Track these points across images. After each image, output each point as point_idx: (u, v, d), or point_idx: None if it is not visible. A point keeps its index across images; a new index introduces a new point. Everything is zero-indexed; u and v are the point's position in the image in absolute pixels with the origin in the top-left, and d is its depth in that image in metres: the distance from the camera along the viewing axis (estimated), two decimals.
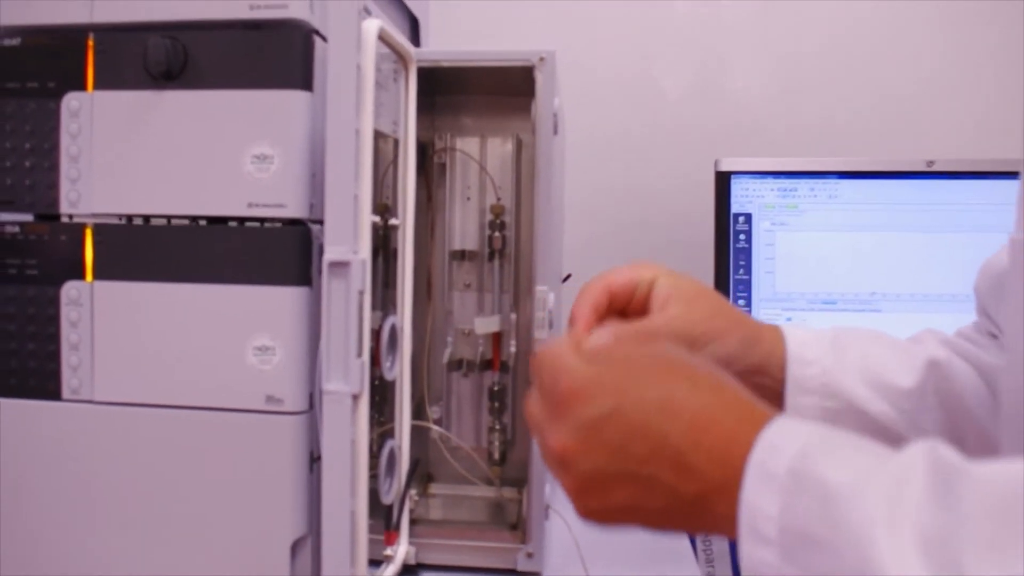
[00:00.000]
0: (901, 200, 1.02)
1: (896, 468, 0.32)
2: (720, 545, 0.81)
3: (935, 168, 1.01)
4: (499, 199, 0.73)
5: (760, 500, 0.33)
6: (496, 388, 0.73)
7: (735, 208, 1.03)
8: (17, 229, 0.61)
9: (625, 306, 0.55)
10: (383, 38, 0.55)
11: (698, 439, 0.36)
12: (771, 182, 1.03)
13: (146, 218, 0.60)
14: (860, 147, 1.13)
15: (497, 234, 0.73)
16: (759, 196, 1.03)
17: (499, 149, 0.74)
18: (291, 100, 0.57)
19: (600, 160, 1.17)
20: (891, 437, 0.56)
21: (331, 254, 0.52)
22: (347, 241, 0.52)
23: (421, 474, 0.76)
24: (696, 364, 0.40)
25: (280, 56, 0.58)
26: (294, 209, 0.58)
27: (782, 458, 0.34)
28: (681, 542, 0.75)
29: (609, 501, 0.39)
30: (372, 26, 0.53)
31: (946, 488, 0.31)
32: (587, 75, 1.17)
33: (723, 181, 1.03)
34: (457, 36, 1.12)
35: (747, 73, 1.18)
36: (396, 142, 0.64)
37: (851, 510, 0.31)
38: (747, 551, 0.34)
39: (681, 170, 1.15)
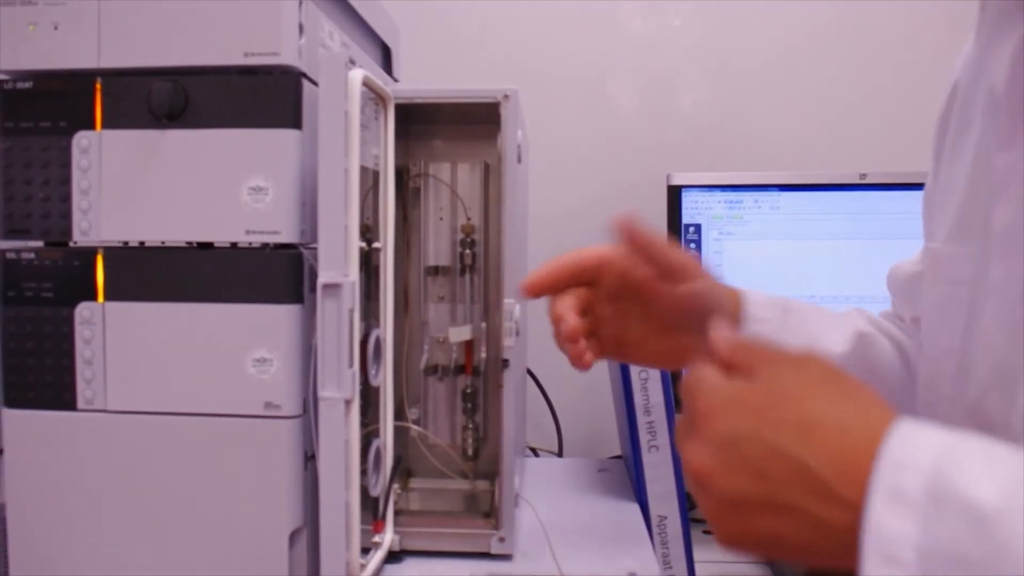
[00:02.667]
0: (837, 210, 1.11)
1: None
2: (674, 527, 0.89)
3: (868, 180, 1.10)
4: (469, 219, 0.80)
5: (892, 523, 0.32)
6: (469, 391, 0.80)
7: (686, 219, 1.11)
8: (33, 255, 0.67)
9: (593, 279, 0.59)
10: (366, 84, 0.62)
11: (843, 469, 0.34)
12: (718, 195, 1.11)
13: (152, 245, 0.66)
14: (799, 161, 1.22)
15: (468, 251, 0.80)
16: (707, 208, 1.11)
17: (468, 174, 0.81)
18: (283, 138, 0.64)
19: (562, 174, 1.24)
20: None
21: (324, 277, 0.59)
22: (338, 266, 0.59)
23: (402, 469, 0.83)
24: (841, 380, 0.38)
25: (272, 98, 0.64)
26: (287, 235, 0.64)
27: (915, 477, 0.33)
28: (639, 527, 0.83)
29: (751, 528, 0.37)
30: (357, 75, 0.60)
31: None
32: (548, 93, 1.25)
33: (674, 194, 1.11)
34: (426, 60, 1.19)
35: (695, 92, 1.26)
36: (376, 173, 0.71)
37: (1005, 528, 0.30)
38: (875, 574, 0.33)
39: (636, 184, 1.23)
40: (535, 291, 0.59)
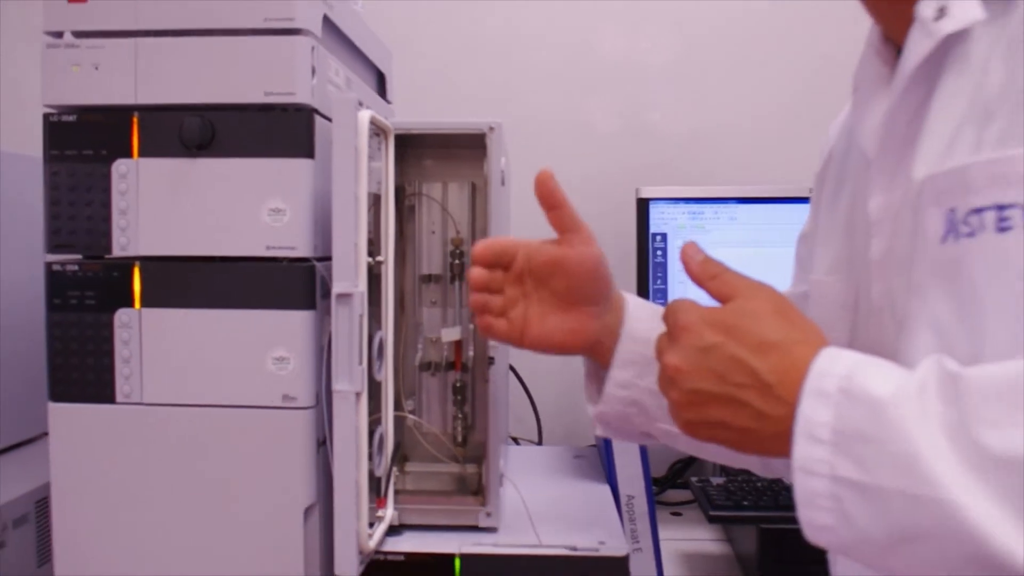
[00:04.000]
0: (789, 220, 1.21)
1: (918, 379, 0.43)
2: (640, 506, 1.00)
3: None
4: (458, 233, 0.90)
5: (815, 412, 0.44)
6: (458, 384, 0.90)
7: (653, 228, 1.22)
8: (77, 267, 0.76)
9: (508, 263, 0.69)
10: (372, 121, 0.72)
11: (784, 376, 0.46)
12: (683, 207, 1.22)
13: (184, 258, 0.75)
14: (756, 176, 1.32)
15: (457, 261, 0.89)
16: (673, 219, 1.22)
17: (457, 193, 0.90)
18: (298, 166, 0.73)
19: None
20: None
21: (338, 288, 0.69)
22: (350, 278, 0.69)
23: (400, 454, 0.92)
24: (791, 314, 0.50)
25: (289, 131, 0.73)
26: (302, 250, 0.73)
27: (832, 380, 0.44)
28: (609, 505, 0.93)
29: (706, 416, 0.49)
30: (365, 116, 0.70)
31: (951, 390, 0.42)
32: (530, 111, 1.35)
33: (643, 206, 1.22)
34: (417, 83, 1.29)
35: (663, 111, 1.37)
36: (377, 196, 0.81)
37: (893, 412, 0.42)
38: (801, 451, 0.45)
39: (608, 196, 1.33)
40: (486, 259, 0.69)
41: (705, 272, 0.54)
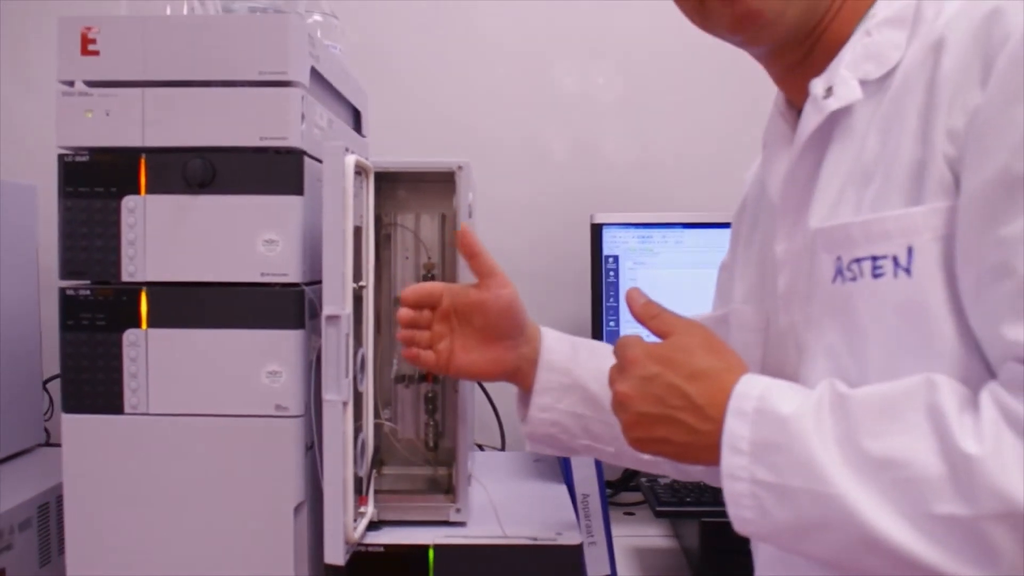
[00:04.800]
0: None
1: (815, 399, 0.53)
2: (594, 504, 1.10)
3: None
4: (430, 258, 1.00)
5: (736, 428, 0.54)
6: (430, 395, 0.99)
7: (606, 251, 1.33)
8: (88, 292, 0.84)
9: (436, 304, 0.82)
10: (357, 164, 0.82)
11: (712, 399, 0.56)
12: (633, 231, 1.33)
13: (187, 283, 0.83)
14: (701, 203, 1.44)
15: None
16: (624, 242, 1.33)
17: (429, 222, 1.00)
18: (289, 202, 0.82)
19: (502, 213, 1.44)
20: (601, 406, 0.81)
21: (327, 310, 0.78)
22: (338, 302, 0.78)
23: (377, 459, 1.02)
24: (717, 347, 0.60)
25: (281, 171, 0.82)
26: (293, 276, 0.82)
27: (749, 401, 0.54)
28: (566, 503, 1.03)
29: (651, 434, 0.59)
30: (351, 160, 0.79)
31: (840, 407, 0.51)
32: (491, 141, 1.46)
33: (596, 231, 1.32)
34: (388, 116, 1.38)
35: (615, 142, 1.49)
36: (359, 228, 0.91)
37: (795, 426, 0.52)
38: (727, 460, 0.54)
39: (565, 222, 1.44)
40: (411, 302, 0.82)
41: (646, 313, 0.65)
